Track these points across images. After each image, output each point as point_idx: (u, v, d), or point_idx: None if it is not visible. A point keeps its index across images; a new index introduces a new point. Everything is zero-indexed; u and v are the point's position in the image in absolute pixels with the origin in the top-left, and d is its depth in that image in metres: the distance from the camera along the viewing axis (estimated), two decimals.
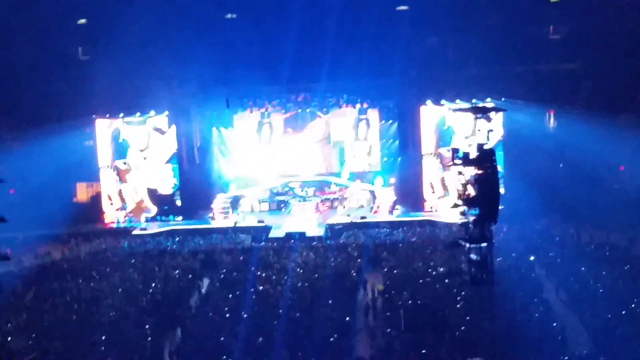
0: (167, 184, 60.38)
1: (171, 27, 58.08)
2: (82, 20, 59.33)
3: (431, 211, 58.15)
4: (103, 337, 34.24)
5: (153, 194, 60.40)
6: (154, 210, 60.11)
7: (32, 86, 56.92)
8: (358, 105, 62.85)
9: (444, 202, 57.02)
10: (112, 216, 59.99)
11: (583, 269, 40.51)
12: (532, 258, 42.69)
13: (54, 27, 57.38)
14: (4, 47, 56.98)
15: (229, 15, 60.45)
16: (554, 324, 34.15)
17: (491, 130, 32.46)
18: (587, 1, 56.71)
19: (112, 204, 60.07)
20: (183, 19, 57.80)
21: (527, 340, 32.02)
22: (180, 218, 59.18)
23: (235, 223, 56.99)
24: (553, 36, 60.05)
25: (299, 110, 63.09)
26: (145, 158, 60.12)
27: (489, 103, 53.75)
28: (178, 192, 60.31)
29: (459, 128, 57.65)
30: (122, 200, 60.08)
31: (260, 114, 63.26)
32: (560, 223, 50.21)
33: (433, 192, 58.79)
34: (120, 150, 59.93)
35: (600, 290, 37.27)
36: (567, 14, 58.79)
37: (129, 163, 59.94)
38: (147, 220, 59.33)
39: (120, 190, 60.06)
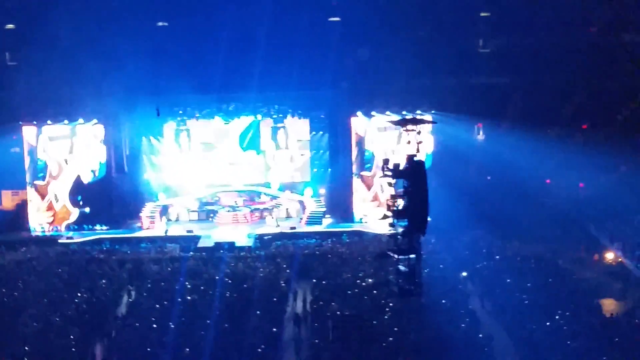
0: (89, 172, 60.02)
1: (101, 33, 57.38)
2: (10, 25, 58.41)
3: (360, 222, 58.44)
4: (26, 348, 33.71)
5: (73, 188, 59.63)
6: (75, 212, 59.18)
7: None
8: (275, 116, 62.99)
9: (374, 213, 57.25)
10: (38, 224, 58.99)
11: (509, 280, 40.98)
12: (464, 274, 42.96)
13: None
14: None
15: (160, 23, 60.01)
16: (480, 335, 34.52)
17: (421, 142, 32.66)
18: (517, 16, 57.39)
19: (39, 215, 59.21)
20: (113, 25, 57.18)
21: (453, 351, 32.27)
22: (105, 228, 58.44)
23: (166, 232, 56.58)
24: (483, 50, 60.68)
25: (229, 120, 62.90)
26: (67, 164, 59.37)
27: (419, 115, 54.13)
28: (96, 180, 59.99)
29: (379, 148, 58.33)
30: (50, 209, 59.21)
31: (176, 122, 62.94)
32: (487, 235, 50.66)
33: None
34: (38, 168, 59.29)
35: (526, 302, 37.74)
36: (497, 28, 59.50)
37: (49, 175, 59.08)
38: (73, 229, 58.46)
39: (47, 205, 59.23)
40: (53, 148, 58.96)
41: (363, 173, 59.27)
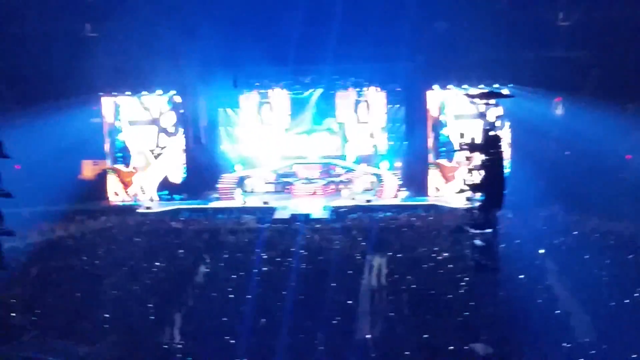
0: (178, 173, 60.57)
1: (179, 4, 57.98)
2: None
3: (437, 196, 58.19)
4: (106, 315, 34.31)
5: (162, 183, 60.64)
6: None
7: (39, 62, 57.02)
8: (357, 89, 62.99)
9: (450, 187, 56.98)
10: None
11: (587, 256, 40.44)
12: (541, 251, 42.44)
13: (61, 3, 57.29)
14: (11, 22, 56.99)
15: None
16: (557, 311, 34.16)
17: (499, 116, 32.39)
18: None
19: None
20: None
21: (530, 326, 32.02)
22: (184, 196, 59.22)
23: (244, 203, 56.96)
24: (562, 23, 59.78)
25: (306, 92, 63.03)
26: (155, 157, 60.30)
27: (496, 88, 53.62)
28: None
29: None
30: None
31: (260, 94, 63.13)
32: (565, 211, 50.03)
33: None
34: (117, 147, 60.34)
35: (605, 279, 37.23)
36: (577, 0, 58.57)
37: (133, 165, 60.12)
38: (151, 199, 59.33)
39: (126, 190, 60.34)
40: (136, 135, 59.94)
41: (440, 161, 58.95)
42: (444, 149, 58.60)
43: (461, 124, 57.12)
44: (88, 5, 59.30)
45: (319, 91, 63.16)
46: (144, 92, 59.28)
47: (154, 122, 59.96)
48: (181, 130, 60.13)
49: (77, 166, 61.90)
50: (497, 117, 32.49)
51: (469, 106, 56.10)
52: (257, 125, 63.84)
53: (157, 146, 60.20)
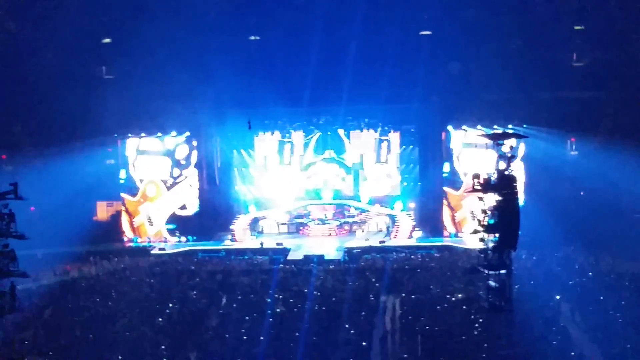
0: (190, 207, 60.59)
1: (194, 47, 58.40)
2: (107, 40, 59.66)
3: (449, 236, 58.16)
4: (120, 357, 34.24)
5: (172, 216, 60.62)
6: (172, 239, 60.15)
7: (55, 104, 57.35)
8: (379, 129, 62.92)
9: (464, 228, 56.91)
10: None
11: (602, 297, 40.19)
12: (558, 297, 41.97)
13: (77, 46, 57.72)
14: (28, 64, 57.45)
15: (252, 37, 60.74)
16: (572, 353, 33.91)
17: (512, 157, 32.35)
18: (611, 29, 56.52)
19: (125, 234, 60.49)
20: (206, 39, 58.09)
21: None
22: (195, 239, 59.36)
23: (262, 244, 56.85)
24: (576, 63, 59.87)
25: (320, 134, 63.26)
26: (168, 187, 60.44)
27: (510, 129, 53.68)
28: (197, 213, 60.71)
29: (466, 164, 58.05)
30: (134, 231, 60.30)
31: (281, 134, 63.35)
32: (580, 251, 49.77)
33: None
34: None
35: (620, 320, 36.96)
36: (591, 41, 58.65)
37: (142, 194, 60.14)
38: (165, 241, 59.38)
39: (130, 220, 60.28)
40: (147, 163, 60.01)
41: (447, 189, 59.06)
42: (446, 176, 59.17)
43: (468, 154, 57.68)
44: (103, 48, 59.74)
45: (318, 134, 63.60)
46: (158, 134, 59.47)
47: (168, 154, 60.28)
48: (193, 162, 60.42)
49: (92, 207, 62.03)
50: (511, 157, 32.44)
51: (476, 137, 56.27)
52: (271, 166, 63.86)
53: (171, 177, 60.44)
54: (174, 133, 59.60)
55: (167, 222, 60.39)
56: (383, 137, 63.30)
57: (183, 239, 59.74)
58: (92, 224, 59.94)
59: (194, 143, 60.21)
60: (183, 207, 60.54)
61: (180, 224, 60.31)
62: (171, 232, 60.12)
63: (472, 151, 57.67)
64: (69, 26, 56.47)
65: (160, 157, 60.15)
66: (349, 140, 63.43)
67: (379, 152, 63.42)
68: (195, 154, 60.29)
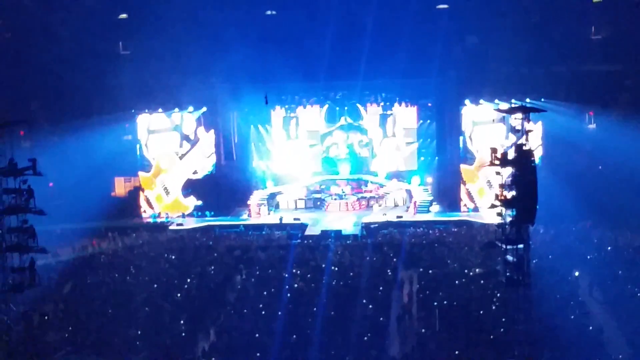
0: (201, 171, 61.02)
1: (211, 23, 58.35)
2: (123, 15, 59.65)
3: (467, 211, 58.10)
4: (138, 331, 34.45)
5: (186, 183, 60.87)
6: (191, 205, 60.28)
7: (72, 81, 57.41)
8: (382, 103, 63.06)
9: (482, 203, 56.77)
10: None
11: (620, 272, 40.10)
12: (576, 273, 41.83)
13: (95, 22, 57.77)
14: (45, 42, 57.55)
15: (268, 12, 60.61)
16: (590, 327, 33.88)
17: (530, 131, 32.17)
18: (629, 1, 56.12)
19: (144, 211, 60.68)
20: (222, 13, 58.03)
21: (562, 343, 31.77)
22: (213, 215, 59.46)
23: (281, 219, 56.81)
24: (594, 36, 59.48)
25: (337, 108, 63.18)
26: (181, 159, 60.55)
27: (529, 103, 53.40)
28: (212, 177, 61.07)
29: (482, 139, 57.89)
30: (150, 206, 60.49)
31: (285, 110, 63.47)
32: (598, 225, 49.61)
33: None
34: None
35: (638, 294, 36.88)
36: (609, 14, 58.27)
37: (156, 168, 60.32)
38: (183, 216, 59.54)
39: (146, 197, 60.49)
40: (158, 140, 60.08)
41: (462, 165, 59.07)
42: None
43: (480, 130, 57.77)
44: (120, 25, 59.72)
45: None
46: (175, 109, 59.48)
47: (176, 129, 60.34)
48: (202, 135, 60.75)
49: (110, 183, 62.19)
50: (528, 132, 32.24)
51: (488, 113, 56.16)
52: (288, 141, 63.87)
53: (181, 147, 60.53)
54: (190, 108, 59.63)
55: (183, 189, 60.62)
56: (388, 112, 63.21)
57: (199, 202, 60.26)
58: (110, 199, 60.06)
59: (201, 118, 60.39)
60: (195, 172, 60.72)
61: (201, 203, 60.53)
62: (198, 208, 60.31)
63: (484, 127, 57.44)
64: (86, 2, 56.52)
65: (169, 133, 60.18)
66: (366, 112, 63.44)
67: (384, 127, 63.39)
68: (202, 129, 60.43)
